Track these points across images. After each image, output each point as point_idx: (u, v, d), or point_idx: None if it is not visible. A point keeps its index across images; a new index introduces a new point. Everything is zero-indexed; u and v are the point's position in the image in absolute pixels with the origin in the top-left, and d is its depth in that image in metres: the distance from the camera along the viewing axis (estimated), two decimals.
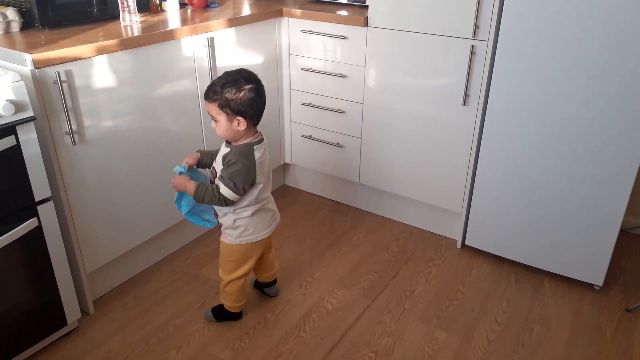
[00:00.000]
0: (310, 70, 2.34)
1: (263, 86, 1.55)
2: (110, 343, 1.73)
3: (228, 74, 1.53)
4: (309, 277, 2.06)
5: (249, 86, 1.50)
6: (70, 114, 1.60)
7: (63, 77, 1.55)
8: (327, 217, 2.49)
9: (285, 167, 2.73)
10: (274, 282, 1.94)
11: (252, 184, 1.57)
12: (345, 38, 2.19)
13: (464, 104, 2.00)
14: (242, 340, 1.74)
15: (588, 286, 2.03)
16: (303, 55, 2.34)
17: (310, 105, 2.41)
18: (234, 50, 2.15)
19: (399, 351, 1.72)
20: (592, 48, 1.68)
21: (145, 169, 1.90)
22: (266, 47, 2.32)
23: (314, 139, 2.47)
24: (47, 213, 1.57)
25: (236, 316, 1.83)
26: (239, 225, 1.64)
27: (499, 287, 2.03)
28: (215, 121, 1.54)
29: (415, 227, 2.42)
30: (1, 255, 1.47)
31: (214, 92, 1.50)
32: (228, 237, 1.68)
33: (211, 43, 2.01)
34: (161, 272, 2.08)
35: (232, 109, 1.49)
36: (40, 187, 1.53)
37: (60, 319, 1.69)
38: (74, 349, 1.70)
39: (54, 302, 1.66)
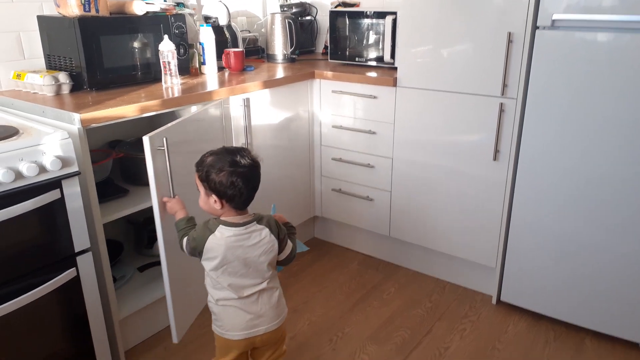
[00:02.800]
0: (340, 127, 2.40)
1: (255, 171, 1.40)
2: None
3: (224, 150, 1.41)
4: (339, 332, 2.03)
5: (232, 169, 1.35)
6: None
7: None
8: (358, 271, 2.47)
9: (315, 219, 2.75)
10: None
11: (198, 254, 1.42)
12: (374, 97, 2.26)
13: (495, 159, 2.00)
14: None
15: (633, 345, 1.92)
16: (334, 114, 2.42)
17: (340, 160, 2.46)
18: (268, 109, 2.25)
19: None
20: (622, 104, 1.69)
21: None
22: (298, 106, 2.41)
23: (344, 192, 2.50)
24: (85, 264, 1.62)
25: None
26: (212, 310, 1.48)
27: (537, 345, 1.95)
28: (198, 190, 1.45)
29: (448, 282, 2.37)
30: (40, 304, 1.51)
31: (199, 163, 1.41)
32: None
33: (247, 103, 2.11)
34: (193, 324, 2.08)
35: (210, 186, 1.37)
36: (80, 238, 1.59)
37: None
38: None
39: (87, 353, 1.68)
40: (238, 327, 1.43)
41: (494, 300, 2.20)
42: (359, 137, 2.36)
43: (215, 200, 1.38)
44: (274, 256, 1.43)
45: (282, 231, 1.45)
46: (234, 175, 1.35)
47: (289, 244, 1.48)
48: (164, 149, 1.58)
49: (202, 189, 1.41)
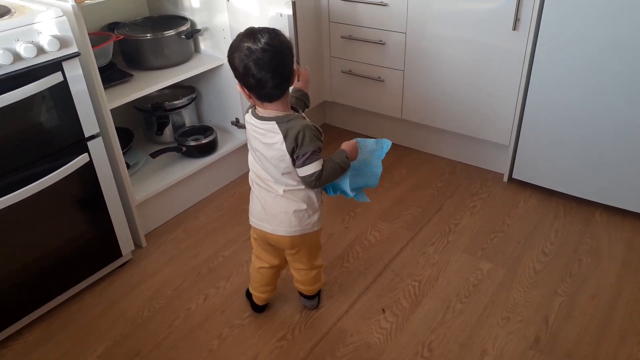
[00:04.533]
0: (349, 0, 2.25)
1: (273, 58, 1.21)
2: (164, 273, 1.82)
3: (245, 31, 1.25)
4: (352, 212, 2.07)
5: (246, 52, 1.20)
6: None
7: None
8: None
9: (324, 104, 2.70)
10: (310, 297, 1.63)
11: None
12: None
13: (514, 28, 1.88)
14: (287, 270, 1.79)
15: None
16: None
17: (350, 37, 2.34)
18: None
19: (443, 280, 1.73)
20: None
21: None
22: None
23: (354, 74, 2.41)
24: (96, 149, 1.62)
25: (255, 306, 1.63)
26: None
27: (547, 219, 1.98)
28: None
29: (460, 162, 2.37)
30: (56, 190, 1.54)
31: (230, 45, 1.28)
32: None
33: None
34: (209, 207, 2.14)
35: (233, 73, 1.27)
36: (89, 123, 1.57)
37: (115, 251, 1.78)
38: (130, 278, 1.80)
39: (109, 235, 1.74)
40: (253, 214, 1.44)
41: (505, 178, 2.21)
42: (370, 10, 2.22)
43: (240, 87, 1.28)
44: (287, 168, 1.30)
45: (303, 149, 1.25)
46: (247, 60, 1.20)
47: (311, 165, 1.27)
48: None
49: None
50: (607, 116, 1.81)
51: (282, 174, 1.32)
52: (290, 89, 1.33)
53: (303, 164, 1.28)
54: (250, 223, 1.46)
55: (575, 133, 1.91)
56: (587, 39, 1.74)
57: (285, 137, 1.26)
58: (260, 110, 1.30)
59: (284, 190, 1.35)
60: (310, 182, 1.31)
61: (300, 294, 1.64)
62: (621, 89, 1.75)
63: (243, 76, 1.24)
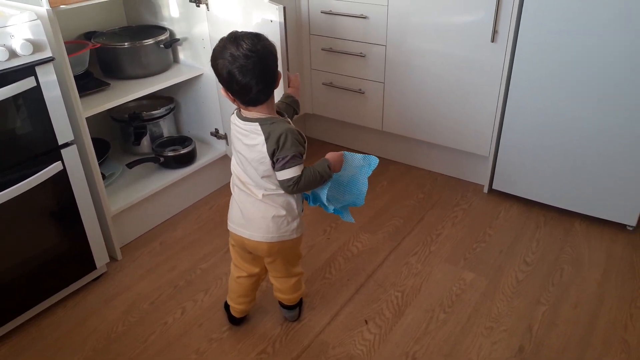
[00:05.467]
0: (330, 12, 2.26)
1: (256, 63, 1.19)
2: (139, 286, 1.76)
3: (228, 36, 1.23)
4: (333, 223, 2.05)
5: (229, 59, 1.18)
6: None
7: None
8: None
9: (306, 117, 2.69)
10: (293, 307, 1.59)
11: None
12: None
13: (493, 40, 1.91)
14: (268, 282, 1.75)
15: (621, 227, 1.97)
16: None
17: (330, 50, 2.34)
18: None
19: (425, 291, 1.71)
20: None
21: None
22: None
23: (335, 86, 2.41)
24: (70, 157, 1.57)
25: (232, 319, 1.58)
26: None
27: (528, 229, 1.99)
28: None
29: (440, 173, 2.37)
30: (28, 199, 1.48)
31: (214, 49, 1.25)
32: None
33: None
34: (187, 219, 2.09)
35: (217, 78, 1.25)
36: (63, 131, 1.53)
37: (89, 263, 1.72)
38: (104, 292, 1.73)
39: (83, 247, 1.68)
40: (231, 219, 1.41)
41: (485, 190, 2.22)
42: (351, 23, 2.23)
43: (224, 91, 1.26)
44: (266, 171, 1.28)
45: (283, 152, 1.23)
46: (229, 67, 1.19)
47: (290, 169, 1.25)
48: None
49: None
50: (586, 126, 1.84)
51: (262, 177, 1.29)
52: (277, 92, 1.31)
53: (282, 168, 1.25)
54: (229, 228, 1.43)
55: (554, 144, 1.93)
56: (564, 49, 1.77)
57: (267, 139, 1.24)
58: (245, 112, 1.28)
59: (263, 195, 1.32)
60: (288, 187, 1.28)
61: (281, 305, 1.60)
62: (599, 99, 1.77)
63: (227, 82, 1.22)
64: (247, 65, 1.19)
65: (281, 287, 1.52)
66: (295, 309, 1.59)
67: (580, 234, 1.95)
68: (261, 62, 1.20)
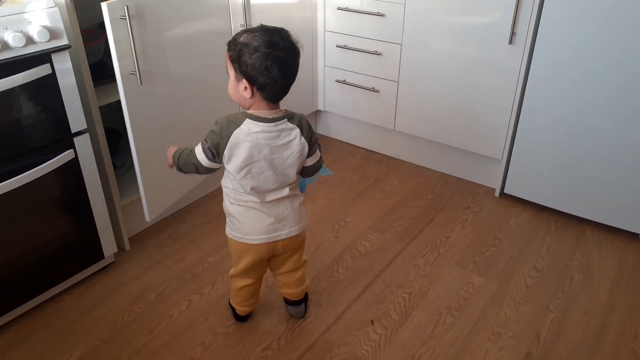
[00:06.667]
0: (346, 9, 2.25)
1: (294, 58, 1.22)
2: (146, 277, 1.76)
3: (262, 28, 1.21)
4: (342, 221, 2.04)
5: (268, 51, 1.16)
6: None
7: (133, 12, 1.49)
8: (360, 165, 2.44)
9: (317, 114, 2.68)
10: (299, 302, 1.58)
11: (219, 154, 1.27)
12: None
13: (510, 42, 1.89)
14: (273, 277, 1.74)
15: (633, 235, 1.94)
16: None
17: (345, 47, 2.33)
18: None
19: (433, 293, 1.69)
20: None
21: (193, 109, 1.87)
22: None
23: (348, 84, 2.40)
24: (83, 145, 1.57)
25: (238, 317, 1.59)
26: (228, 213, 1.38)
27: (538, 235, 1.97)
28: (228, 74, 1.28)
29: (451, 175, 2.35)
30: (39, 186, 1.48)
31: (232, 41, 1.23)
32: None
33: None
34: (196, 212, 2.09)
35: (241, 69, 1.20)
36: (76, 119, 1.53)
37: (97, 253, 1.72)
38: (111, 282, 1.74)
39: (91, 236, 1.68)
40: (258, 231, 1.34)
41: (497, 193, 2.20)
42: (367, 20, 2.21)
43: (245, 87, 1.21)
44: (302, 161, 1.31)
45: (315, 136, 1.31)
46: (270, 59, 1.16)
47: (317, 152, 1.35)
48: (125, 19, 1.46)
49: (232, 72, 1.23)
50: (601, 134, 1.81)
51: (294, 171, 1.32)
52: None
53: (316, 149, 1.35)
54: (252, 242, 1.35)
55: (568, 150, 1.90)
56: (584, 55, 1.75)
57: (301, 129, 1.28)
58: (260, 114, 1.24)
59: (290, 189, 1.35)
60: (318, 167, 1.38)
61: (287, 301, 1.59)
62: (615, 107, 1.75)
63: (258, 74, 1.18)
64: (287, 61, 1.20)
65: (287, 282, 1.52)
66: (301, 305, 1.59)
67: (591, 242, 1.93)
68: (297, 59, 1.23)
